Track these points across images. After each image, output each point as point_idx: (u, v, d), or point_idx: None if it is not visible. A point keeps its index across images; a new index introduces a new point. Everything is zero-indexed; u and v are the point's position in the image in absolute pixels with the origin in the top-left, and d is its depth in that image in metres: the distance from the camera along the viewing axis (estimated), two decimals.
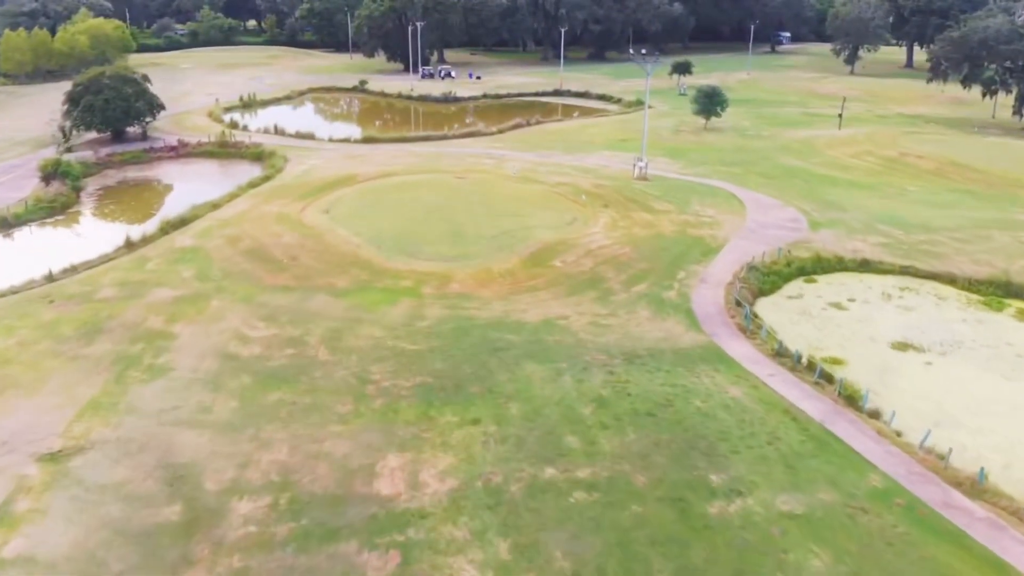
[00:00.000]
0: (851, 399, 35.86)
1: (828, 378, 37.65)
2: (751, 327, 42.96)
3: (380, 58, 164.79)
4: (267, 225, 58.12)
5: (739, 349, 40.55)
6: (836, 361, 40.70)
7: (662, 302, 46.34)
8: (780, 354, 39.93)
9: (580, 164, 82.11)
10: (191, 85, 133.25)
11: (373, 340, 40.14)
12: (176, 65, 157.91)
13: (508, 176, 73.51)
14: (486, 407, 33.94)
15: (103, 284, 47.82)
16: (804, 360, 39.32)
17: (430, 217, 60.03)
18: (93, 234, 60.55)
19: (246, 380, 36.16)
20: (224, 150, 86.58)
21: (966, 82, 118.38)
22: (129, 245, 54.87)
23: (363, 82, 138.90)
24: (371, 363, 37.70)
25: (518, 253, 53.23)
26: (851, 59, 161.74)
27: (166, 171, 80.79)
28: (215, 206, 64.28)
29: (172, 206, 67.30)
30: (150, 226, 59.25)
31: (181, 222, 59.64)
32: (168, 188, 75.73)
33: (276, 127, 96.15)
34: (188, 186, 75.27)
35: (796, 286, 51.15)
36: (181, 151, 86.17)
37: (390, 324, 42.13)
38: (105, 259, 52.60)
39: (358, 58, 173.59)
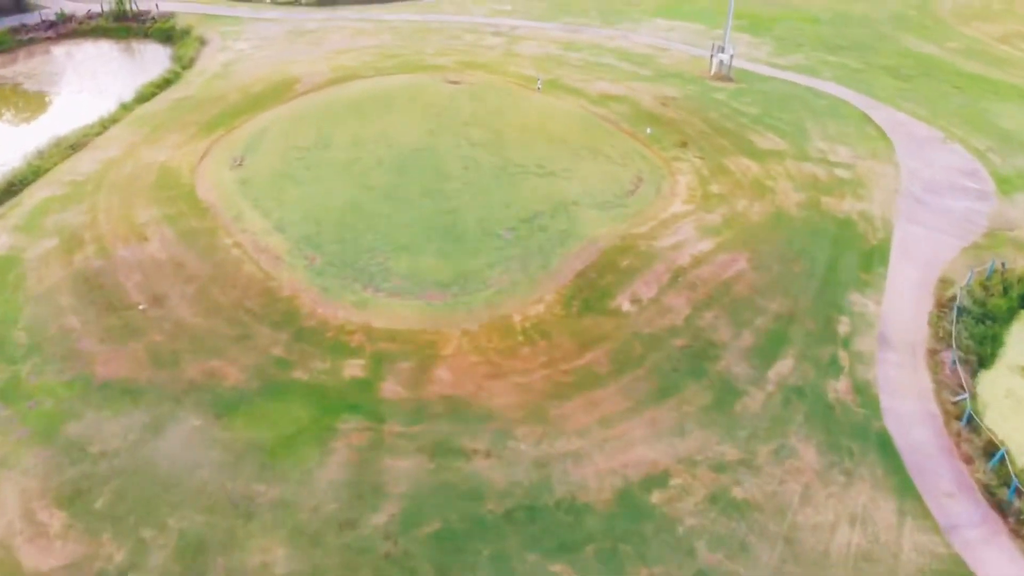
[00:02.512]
0: None
1: None
2: (1015, 502, 21.92)
3: None
4: (135, 205, 35.19)
5: None
6: None
7: (831, 415, 24.92)
8: None
9: (627, 47, 57.33)
10: None
11: None
12: None
13: (524, 77, 49.42)
14: None
15: None
16: None
17: (404, 178, 36.29)
18: None
19: None
20: (122, 26, 61.52)
21: None
22: None
23: None
24: None
25: (554, 274, 30.95)
26: None
27: (35, 65, 56.20)
28: (73, 148, 41.53)
29: (18, 143, 43.82)
30: None
31: (8, 190, 37.14)
32: (27, 101, 51.27)
33: None
34: (59, 96, 51.47)
35: (1022, 336, 29.66)
36: (63, 29, 61.24)
37: (306, 523, 20.91)
38: None
39: None
